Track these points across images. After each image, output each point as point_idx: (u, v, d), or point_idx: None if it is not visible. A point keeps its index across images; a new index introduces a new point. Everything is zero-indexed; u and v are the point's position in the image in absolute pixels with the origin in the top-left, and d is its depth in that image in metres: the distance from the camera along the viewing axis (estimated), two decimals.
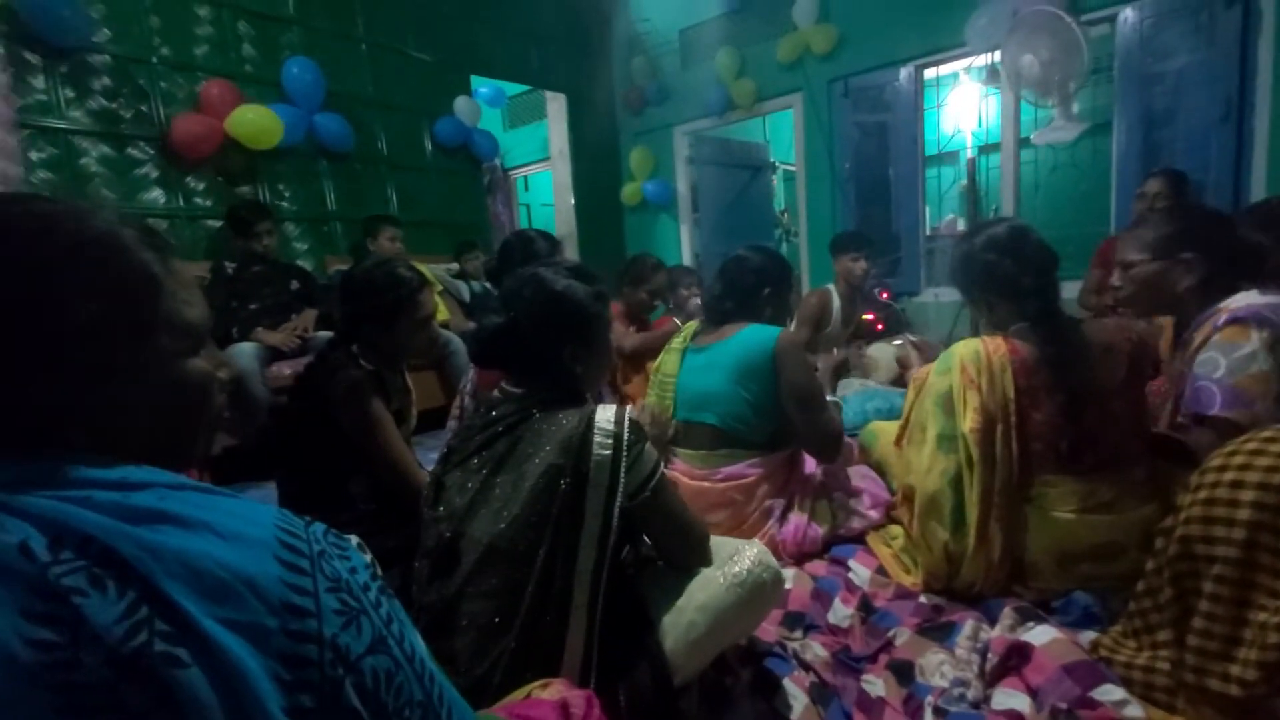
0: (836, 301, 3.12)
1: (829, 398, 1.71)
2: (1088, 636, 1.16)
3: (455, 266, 3.87)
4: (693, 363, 1.66)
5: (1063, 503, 1.28)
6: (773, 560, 1.10)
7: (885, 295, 3.97)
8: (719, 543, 1.13)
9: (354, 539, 0.51)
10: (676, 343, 1.75)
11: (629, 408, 1.04)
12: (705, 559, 1.11)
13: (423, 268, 3.10)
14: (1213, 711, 0.90)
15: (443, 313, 3.32)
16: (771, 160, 5.85)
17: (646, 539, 1.13)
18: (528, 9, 4.52)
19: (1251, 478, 0.87)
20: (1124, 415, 1.30)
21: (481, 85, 4.91)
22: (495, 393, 1.10)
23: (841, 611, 1.35)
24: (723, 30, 4.56)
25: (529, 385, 1.07)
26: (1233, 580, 0.88)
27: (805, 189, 4.51)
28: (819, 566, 1.51)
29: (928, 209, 5.75)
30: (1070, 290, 3.22)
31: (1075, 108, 3.66)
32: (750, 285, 1.65)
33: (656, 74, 4.90)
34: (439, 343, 2.92)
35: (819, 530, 1.57)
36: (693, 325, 1.77)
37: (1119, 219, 3.53)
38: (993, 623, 1.23)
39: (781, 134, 5.15)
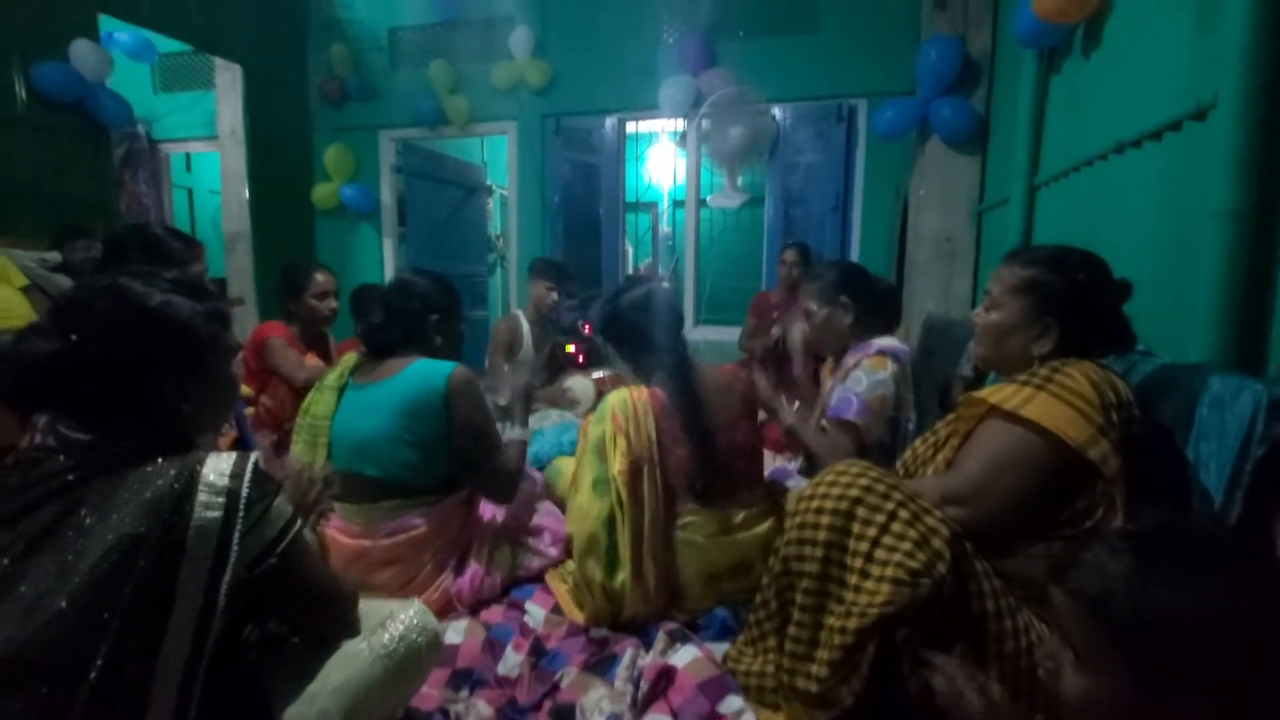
0: (526, 326, 3.13)
1: (517, 433, 1.66)
2: (723, 649, 1.31)
3: (56, 256, 2.93)
4: (352, 403, 1.47)
5: (703, 529, 1.44)
6: (430, 621, 1.01)
7: (588, 328, 4.17)
8: (369, 607, 1.00)
9: None
10: (331, 379, 1.53)
11: (255, 455, 0.86)
12: (351, 629, 0.97)
13: None
14: (801, 706, 1.07)
15: (26, 316, 2.45)
16: (489, 183, 5.80)
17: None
18: None
19: (828, 505, 1.07)
20: (744, 444, 1.53)
21: (120, 30, 3.90)
22: (39, 438, 0.81)
23: (512, 660, 1.31)
24: (436, 40, 4.39)
25: (100, 430, 0.82)
26: (814, 591, 1.06)
27: (517, 217, 4.55)
28: (495, 613, 1.46)
29: (630, 250, 6.33)
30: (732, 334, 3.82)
31: (740, 181, 4.40)
32: (416, 312, 1.51)
33: (360, 68, 4.47)
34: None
35: (497, 576, 1.52)
36: (351, 359, 1.56)
37: (768, 278, 4.30)
38: (650, 648, 1.32)
39: (499, 158, 5.13)
